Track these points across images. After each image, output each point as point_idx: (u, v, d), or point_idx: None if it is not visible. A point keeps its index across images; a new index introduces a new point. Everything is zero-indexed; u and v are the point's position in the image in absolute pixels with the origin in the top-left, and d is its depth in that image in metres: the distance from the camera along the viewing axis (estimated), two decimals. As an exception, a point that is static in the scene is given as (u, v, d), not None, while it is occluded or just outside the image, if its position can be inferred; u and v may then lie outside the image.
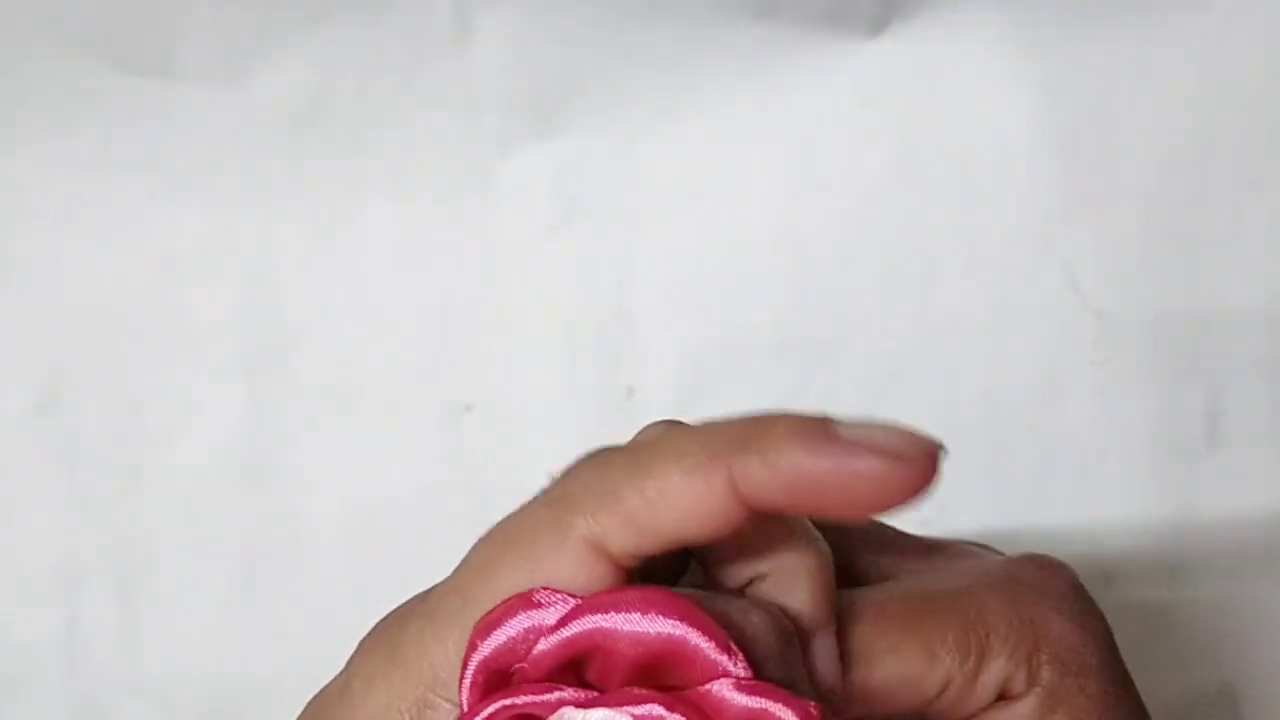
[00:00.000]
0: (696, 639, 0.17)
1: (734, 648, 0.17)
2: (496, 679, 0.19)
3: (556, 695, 0.19)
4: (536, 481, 0.43)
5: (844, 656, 0.18)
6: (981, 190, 0.42)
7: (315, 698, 0.22)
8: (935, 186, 0.42)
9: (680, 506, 0.17)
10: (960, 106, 0.42)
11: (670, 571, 0.20)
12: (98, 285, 0.42)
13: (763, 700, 0.17)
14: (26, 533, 0.42)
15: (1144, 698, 0.43)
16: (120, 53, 0.40)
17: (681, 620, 0.17)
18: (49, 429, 0.42)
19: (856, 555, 0.21)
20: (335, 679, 0.22)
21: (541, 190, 0.42)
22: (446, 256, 0.42)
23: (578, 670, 0.19)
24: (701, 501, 0.17)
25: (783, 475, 0.16)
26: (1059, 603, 0.19)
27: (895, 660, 0.18)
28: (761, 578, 0.18)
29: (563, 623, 0.18)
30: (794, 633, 0.17)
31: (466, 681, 0.19)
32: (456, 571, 0.20)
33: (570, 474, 0.20)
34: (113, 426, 0.42)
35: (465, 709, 0.19)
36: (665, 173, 0.42)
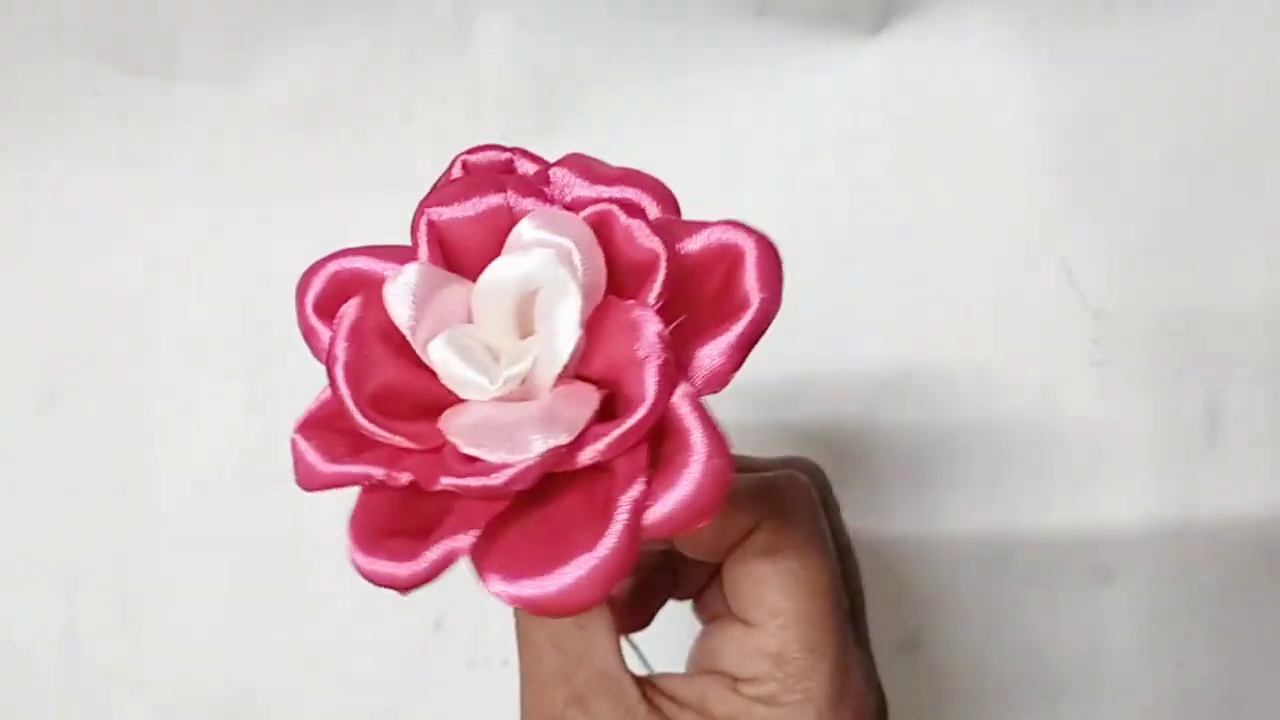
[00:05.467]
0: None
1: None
2: None
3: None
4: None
5: None
6: (981, 190, 0.42)
7: None
8: (934, 186, 0.42)
9: None
10: (959, 107, 0.42)
11: None
12: (98, 285, 0.42)
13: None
14: (27, 533, 0.42)
15: (1143, 697, 0.43)
16: (121, 52, 0.40)
17: None
18: (49, 428, 0.42)
19: None
20: None
21: (541, 190, 0.42)
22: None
23: None
24: None
25: None
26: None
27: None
28: None
29: None
30: None
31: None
32: None
33: None
34: (113, 426, 0.42)
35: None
36: (664, 172, 0.42)
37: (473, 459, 0.18)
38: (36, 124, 0.41)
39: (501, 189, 0.20)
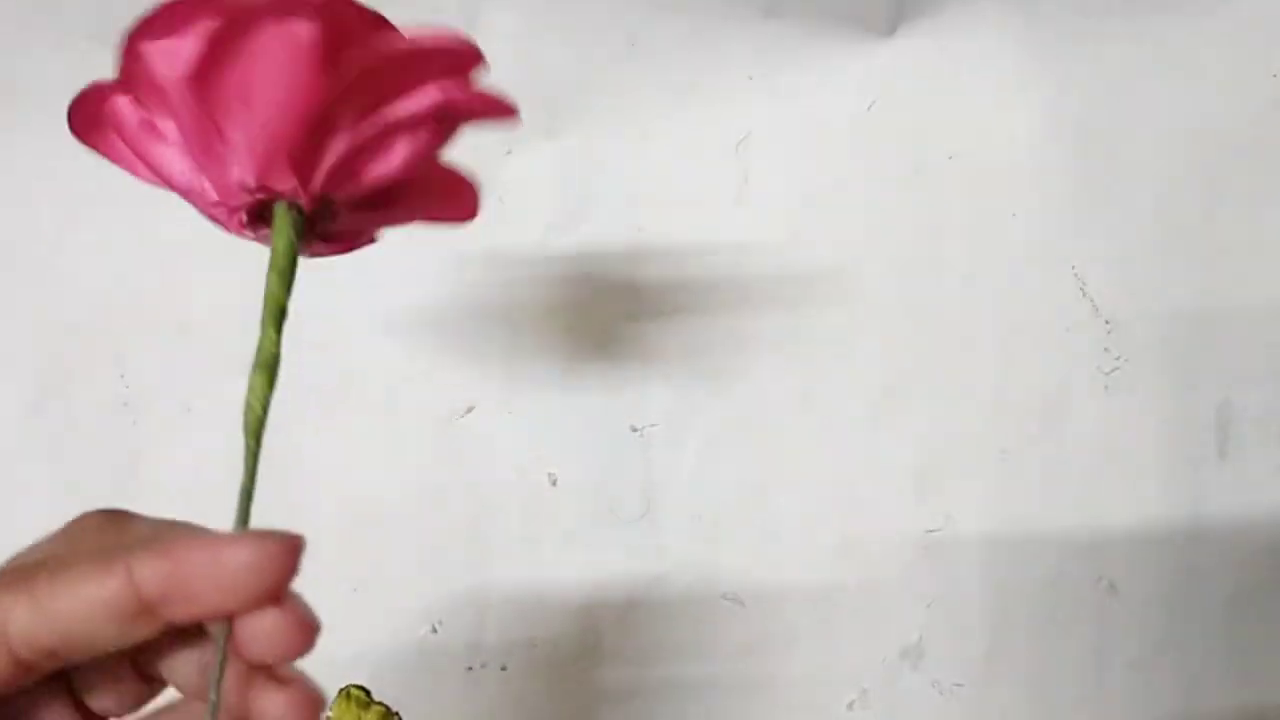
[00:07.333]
0: None
1: None
2: None
3: None
4: (536, 482, 0.43)
5: None
6: (992, 197, 0.42)
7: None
8: (945, 192, 0.42)
9: (82, 594, 0.19)
10: (971, 111, 0.42)
11: None
12: (97, 281, 0.41)
13: None
14: (23, 530, 0.42)
15: (1150, 708, 0.43)
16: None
17: None
18: (46, 425, 0.41)
19: None
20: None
21: (546, 189, 0.42)
22: (450, 255, 0.42)
23: None
24: (103, 590, 0.19)
25: (171, 567, 0.20)
26: None
27: None
28: None
29: None
30: None
31: None
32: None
33: None
34: (110, 424, 0.41)
35: None
36: (671, 173, 0.42)
37: None
38: (39, 116, 0.40)
39: None
